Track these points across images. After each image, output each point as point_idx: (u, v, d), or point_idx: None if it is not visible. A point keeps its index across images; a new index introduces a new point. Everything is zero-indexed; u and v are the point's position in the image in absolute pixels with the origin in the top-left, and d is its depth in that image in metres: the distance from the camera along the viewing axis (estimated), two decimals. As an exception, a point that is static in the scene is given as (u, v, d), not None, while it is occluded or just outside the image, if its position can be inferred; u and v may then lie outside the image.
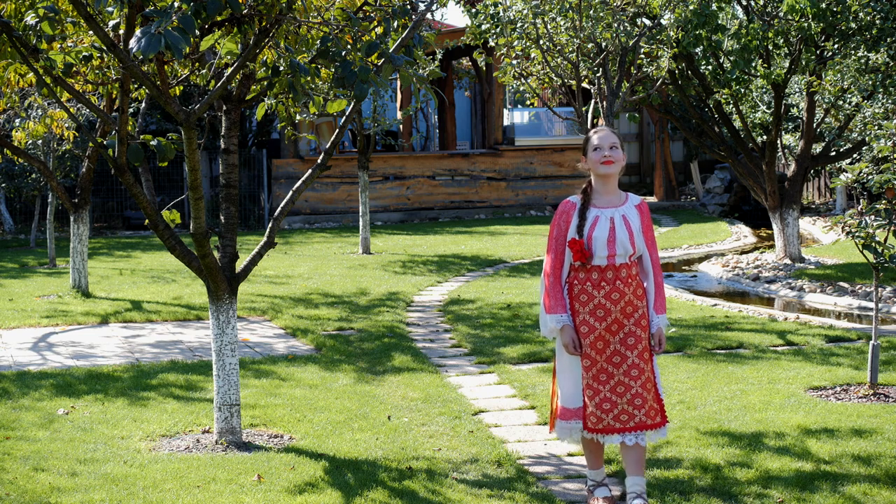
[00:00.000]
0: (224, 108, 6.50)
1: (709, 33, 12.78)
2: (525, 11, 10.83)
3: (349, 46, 5.79)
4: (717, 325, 10.10)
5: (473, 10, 12.45)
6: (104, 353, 9.27)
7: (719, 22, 12.76)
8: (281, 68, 5.92)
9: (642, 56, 13.50)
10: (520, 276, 13.95)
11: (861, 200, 8.36)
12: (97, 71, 7.12)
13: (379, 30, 6.16)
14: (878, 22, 13.05)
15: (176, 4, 4.85)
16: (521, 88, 12.77)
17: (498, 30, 11.56)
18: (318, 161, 6.83)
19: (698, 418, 6.80)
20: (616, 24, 10.69)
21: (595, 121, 11.34)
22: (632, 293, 5.19)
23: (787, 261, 14.75)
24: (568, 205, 5.24)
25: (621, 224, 5.16)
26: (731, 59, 13.40)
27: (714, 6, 12.66)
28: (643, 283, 5.26)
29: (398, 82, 21.68)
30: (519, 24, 11.02)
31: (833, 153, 15.83)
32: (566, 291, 5.23)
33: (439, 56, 18.73)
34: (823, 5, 12.78)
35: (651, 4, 11.62)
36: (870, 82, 13.45)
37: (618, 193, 5.27)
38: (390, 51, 5.96)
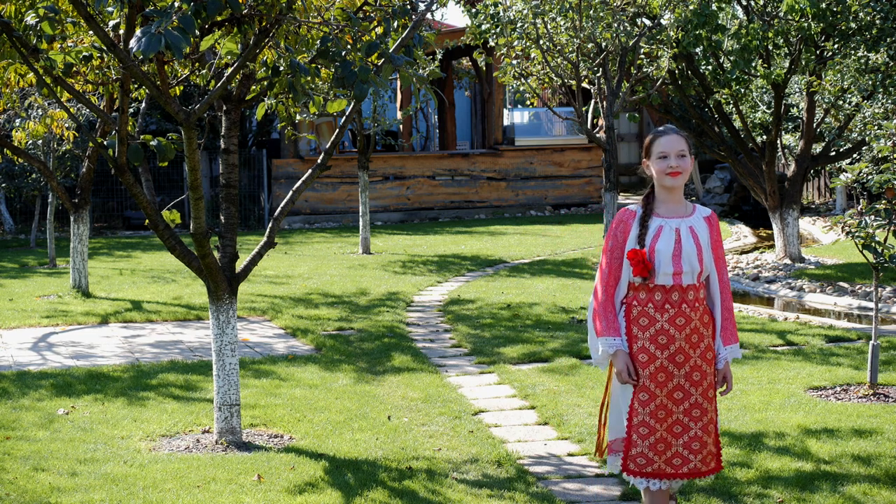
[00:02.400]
0: (224, 108, 6.50)
1: (709, 33, 12.78)
2: (525, 11, 10.83)
3: (349, 46, 5.79)
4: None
5: (473, 10, 12.45)
6: (104, 353, 9.27)
7: (719, 22, 12.76)
8: (281, 68, 5.92)
9: (642, 56, 13.50)
10: (520, 276, 13.95)
11: (861, 200, 8.37)
12: (97, 71, 7.12)
13: (379, 30, 6.16)
14: (878, 22, 13.06)
15: (176, 4, 4.85)
16: (521, 88, 12.78)
17: (498, 30, 11.57)
18: (318, 161, 6.83)
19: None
20: (616, 24, 10.69)
21: (595, 121, 11.34)
22: (698, 319, 4.57)
23: (787, 261, 14.76)
24: (626, 213, 4.62)
25: (688, 237, 4.55)
26: (731, 59, 13.40)
27: (714, 6, 12.66)
28: (710, 308, 4.64)
29: (398, 82, 21.67)
30: (519, 24, 11.02)
31: (833, 153, 15.83)
32: (623, 314, 4.61)
33: (439, 56, 18.73)
34: (823, 5, 12.79)
35: (651, 4, 11.63)
36: (870, 82, 13.45)
37: (684, 203, 4.64)
38: (390, 51, 5.96)
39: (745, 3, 14.20)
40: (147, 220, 6.28)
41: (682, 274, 4.51)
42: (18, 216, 22.28)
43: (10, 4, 5.76)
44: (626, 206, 4.66)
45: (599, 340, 4.57)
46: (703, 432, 4.56)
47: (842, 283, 12.66)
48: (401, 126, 23.51)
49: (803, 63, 13.72)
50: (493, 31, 11.76)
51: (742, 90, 14.32)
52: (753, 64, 13.39)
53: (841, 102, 14.64)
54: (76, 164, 18.16)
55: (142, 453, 6.22)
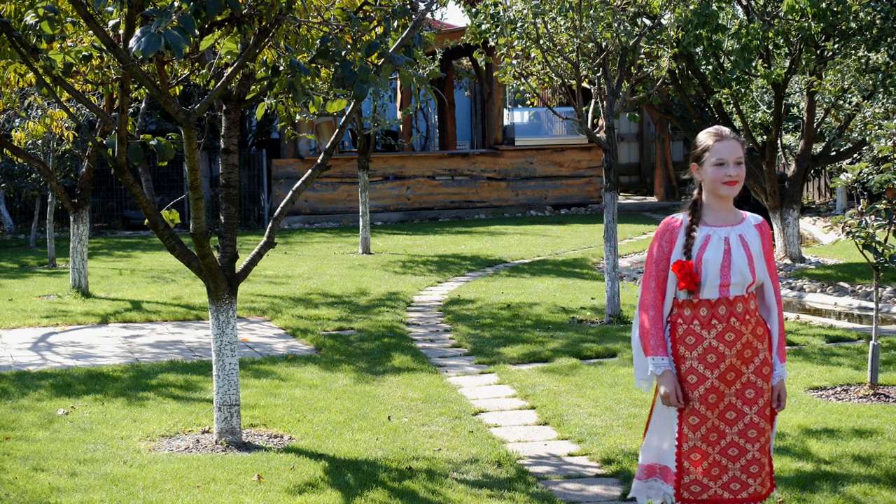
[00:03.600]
0: (224, 108, 6.50)
1: (709, 33, 12.77)
2: (525, 11, 10.83)
3: (349, 46, 5.79)
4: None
5: (473, 10, 12.44)
6: (104, 353, 9.27)
7: (719, 22, 12.75)
8: (281, 68, 5.92)
9: (642, 56, 13.50)
10: (520, 276, 13.94)
11: (861, 200, 8.36)
12: (97, 71, 7.11)
13: (379, 30, 6.16)
14: (878, 22, 13.05)
15: (176, 4, 4.84)
16: (521, 88, 12.77)
17: (498, 30, 11.56)
18: (318, 161, 6.82)
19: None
20: (616, 24, 10.69)
21: (595, 121, 11.34)
22: (750, 333, 4.27)
23: (788, 261, 14.75)
24: (671, 223, 4.33)
25: (738, 246, 4.26)
26: (732, 58, 13.39)
27: (714, 6, 12.65)
28: (764, 320, 4.35)
29: (398, 82, 21.67)
30: (519, 24, 11.02)
31: (833, 153, 15.83)
32: (668, 332, 4.32)
33: (439, 56, 18.72)
34: (823, 5, 12.78)
35: (651, 4, 11.62)
36: (870, 82, 13.45)
37: (733, 211, 4.36)
38: (390, 51, 5.95)
39: (745, 2, 14.19)
40: (147, 220, 6.28)
41: (730, 286, 4.23)
42: (18, 216, 22.27)
43: (9, 4, 5.76)
44: (672, 215, 4.36)
45: (648, 360, 4.28)
46: (761, 454, 4.27)
47: (842, 283, 12.65)
48: (401, 126, 23.50)
49: (803, 63, 13.71)
50: (493, 31, 11.75)
51: (742, 90, 14.31)
52: (753, 64, 13.38)
53: (841, 102, 14.64)
54: (76, 164, 18.15)
55: (142, 453, 6.22)
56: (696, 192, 4.37)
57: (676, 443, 4.31)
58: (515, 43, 11.36)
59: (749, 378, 4.27)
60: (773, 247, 4.37)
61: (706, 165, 4.28)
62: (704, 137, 4.31)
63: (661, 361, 4.26)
